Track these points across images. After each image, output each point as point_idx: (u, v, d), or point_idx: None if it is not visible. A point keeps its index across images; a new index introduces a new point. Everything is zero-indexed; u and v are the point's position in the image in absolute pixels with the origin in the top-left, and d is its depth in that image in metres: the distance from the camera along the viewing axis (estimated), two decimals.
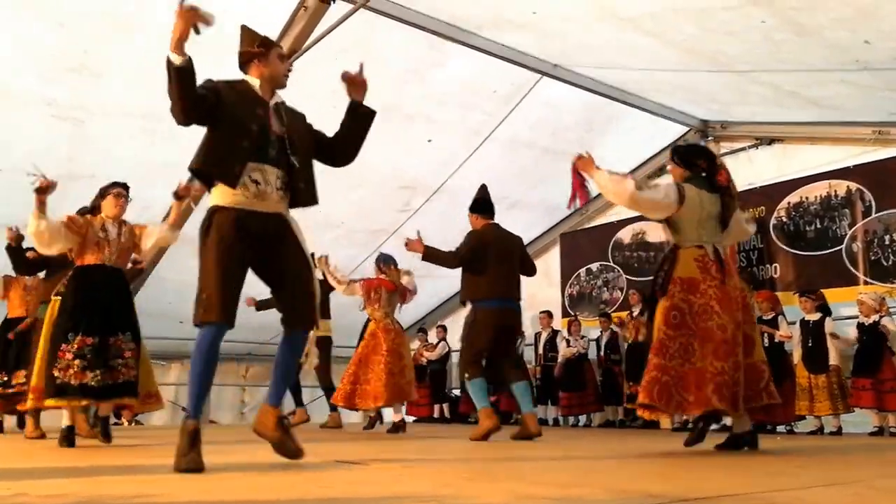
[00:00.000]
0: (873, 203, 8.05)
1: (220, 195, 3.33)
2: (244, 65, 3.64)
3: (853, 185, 8.25)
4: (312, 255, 6.60)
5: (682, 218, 4.37)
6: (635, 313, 9.14)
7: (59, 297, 5.26)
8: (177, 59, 3.20)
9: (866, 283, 7.91)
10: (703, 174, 4.57)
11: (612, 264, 10.58)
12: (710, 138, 9.91)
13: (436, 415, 11.22)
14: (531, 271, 6.30)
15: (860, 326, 7.26)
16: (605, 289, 10.64)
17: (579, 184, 4.69)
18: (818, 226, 8.46)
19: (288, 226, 3.47)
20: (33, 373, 5.58)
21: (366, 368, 7.03)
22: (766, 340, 7.67)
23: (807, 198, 8.60)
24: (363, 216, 9.64)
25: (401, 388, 6.91)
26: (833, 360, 7.33)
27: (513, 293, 5.94)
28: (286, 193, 3.46)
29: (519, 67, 7.91)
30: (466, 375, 5.79)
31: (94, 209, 5.28)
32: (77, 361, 4.72)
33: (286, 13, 6.57)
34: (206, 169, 3.37)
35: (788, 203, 8.76)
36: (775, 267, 8.79)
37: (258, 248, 3.34)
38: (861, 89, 7.34)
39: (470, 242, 6.00)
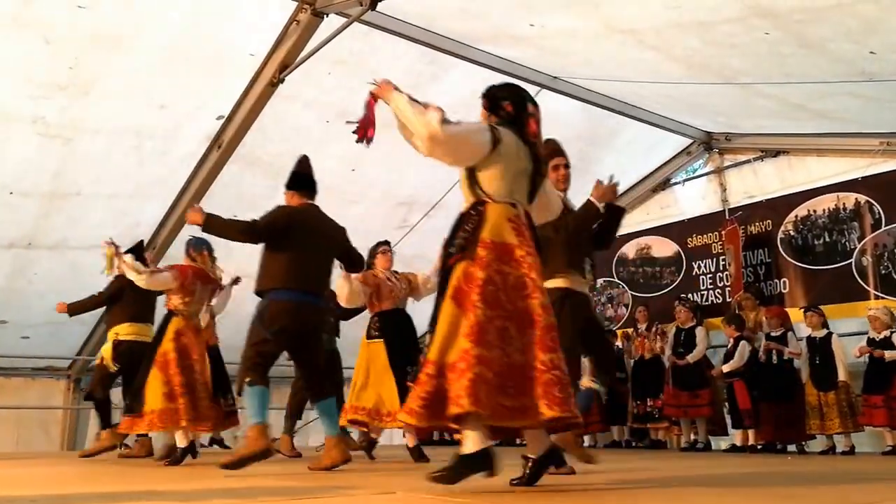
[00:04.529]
0: (882, 216, 7.93)
1: None
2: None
3: (862, 198, 8.12)
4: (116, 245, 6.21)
5: (494, 166, 3.40)
6: (641, 329, 8.98)
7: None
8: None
9: (877, 297, 7.77)
10: (511, 122, 3.58)
11: (616, 280, 10.42)
12: (714, 150, 9.82)
13: (435, 437, 11.00)
14: (359, 265, 5.52)
15: (871, 342, 7.10)
16: (610, 305, 10.48)
17: (371, 116, 3.69)
18: (827, 239, 8.33)
19: None
20: None
21: (187, 378, 5.88)
22: (774, 357, 7.54)
23: (814, 211, 8.47)
24: (360, 233, 9.40)
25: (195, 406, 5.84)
26: (842, 376, 7.16)
27: (315, 287, 4.98)
28: None
29: (517, 80, 7.79)
30: (247, 380, 4.69)
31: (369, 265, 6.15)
32: None
33: (278, 27, 6.47)
34: None
35: (796, 216, 8.63)
36: (784, 282, 8.63)
37: None
38: (868, 101, 7.24)
39: (272, 215, 5.04)
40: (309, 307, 4.89)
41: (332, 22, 6.35)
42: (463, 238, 3.31)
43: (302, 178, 5.25)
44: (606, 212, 4.82)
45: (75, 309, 6.88)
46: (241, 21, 6.38)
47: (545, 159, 3.53)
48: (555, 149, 4.73)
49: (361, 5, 6.01)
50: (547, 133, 9.18)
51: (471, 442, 3.03)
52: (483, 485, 3.08)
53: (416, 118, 3.35)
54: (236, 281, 6.52)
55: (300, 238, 4.91)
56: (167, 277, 6.00)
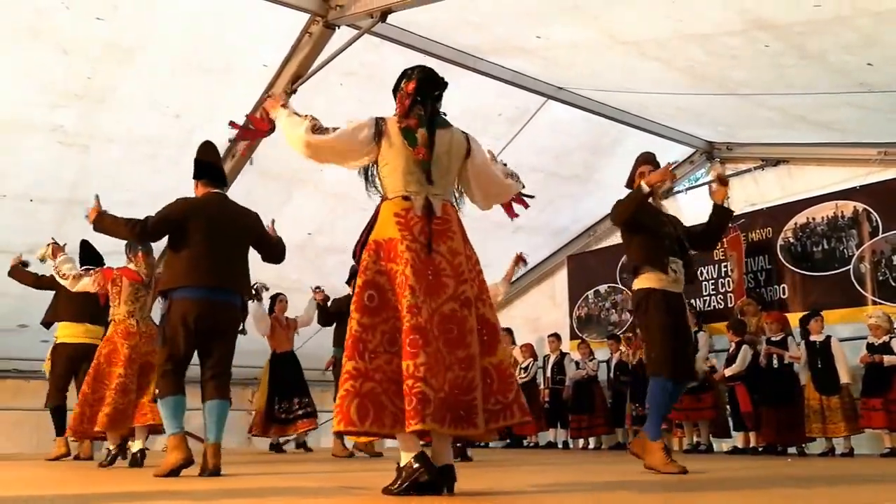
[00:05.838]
0: (880, 223, 8.03)
1: None
2: None
3: (860, 206, 8.23)
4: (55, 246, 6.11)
5: (386, 160, 3.25)
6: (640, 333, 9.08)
7: None
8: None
9: (874, 303, 7.87)
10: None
11: (620, 286, 10.51)
12: (716, 159, 9.92)
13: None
14: (276, 255, 4.97)
15: (870, 347, 7.21)
16: (614, 310, 10.58)
17: (255, 127, 3.66)
18: (825, 246, 8.44)
19: None
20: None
21: (98, 384, 5.63)
22: (775, 361, 7.64)
23: (813, 218, 8.58)
24: None
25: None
26: (845, 378, 7.26)
27: (226, 282, 4.56)
28: None
29: (524, 91, 7.93)
30: (157, 392, 4.52)
31: None
32: None
33: (291, 38, 6.60)
34: None
35: (795, 224, 8.74)
36: (784, 288, 8.75)
37: None
38: (866, 111, 7.34)
39: (165, 210, 4.61)
40: (216, 305, 4.48)
41: (343, 34, 6.49)
42: (356, 245, 3.23)
43: (204, 166, 4.78)
44: (714, 213, 4.97)
45: (16, 272, 6.93)
46: (255, 32, 6.51)
47: (419, 133, 3.25)
48: (646, 159, 4.94)
49: (372, 17, 6.15)
50: (550, 142, 9.34)
51: (403, 455, 2.92)
52: (488, 486, 3.16)
53: (292, 130, 3.28)
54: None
55: (202, 231, 4.49)
56: (87, 282, 5.86)
